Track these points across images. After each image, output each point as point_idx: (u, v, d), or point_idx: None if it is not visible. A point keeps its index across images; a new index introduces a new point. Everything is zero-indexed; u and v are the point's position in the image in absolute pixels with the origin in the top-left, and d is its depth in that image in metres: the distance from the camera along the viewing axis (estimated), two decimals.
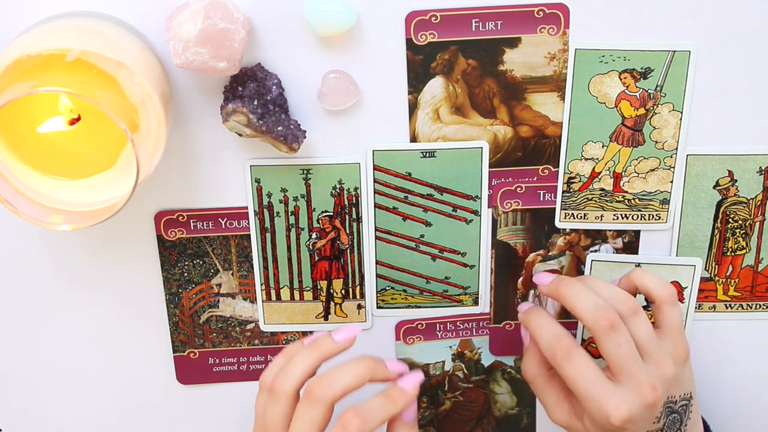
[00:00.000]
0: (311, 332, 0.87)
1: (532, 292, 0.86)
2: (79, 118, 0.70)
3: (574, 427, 0.79)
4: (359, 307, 0.86)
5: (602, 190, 0.82)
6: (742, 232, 0.84)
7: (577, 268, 0.86)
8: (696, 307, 0.86)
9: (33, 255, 0.82)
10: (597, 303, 0.75)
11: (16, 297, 0.84)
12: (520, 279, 0.86)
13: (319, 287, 0.85)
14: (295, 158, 0.80)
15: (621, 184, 0.82)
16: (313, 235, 0.83)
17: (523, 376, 0.82)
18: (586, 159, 0.81)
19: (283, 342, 0.87)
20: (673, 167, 0.81)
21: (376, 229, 0.83)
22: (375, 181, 0.81)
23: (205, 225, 0.82)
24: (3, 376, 0.87)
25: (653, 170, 0.81)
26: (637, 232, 0.84)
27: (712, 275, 0.86)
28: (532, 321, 0.78)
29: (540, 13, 0.76)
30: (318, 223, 0.83)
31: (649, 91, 0.79)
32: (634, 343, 0.75)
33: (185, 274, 0.84)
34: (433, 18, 0.76)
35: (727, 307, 0.87)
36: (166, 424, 0.90)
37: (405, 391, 0.75)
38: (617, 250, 0.85)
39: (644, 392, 0.74)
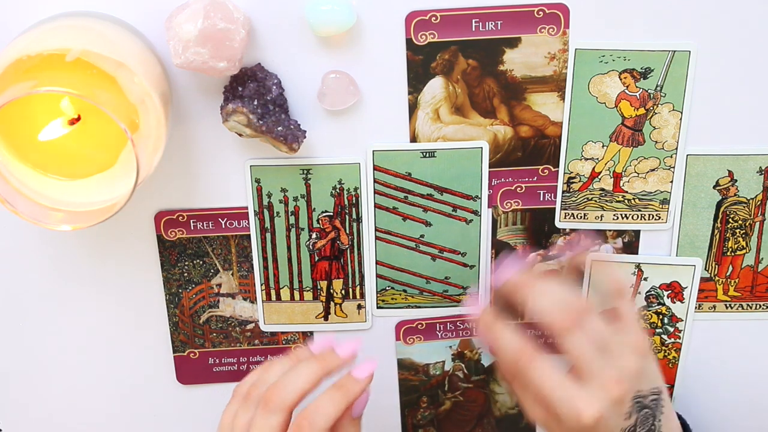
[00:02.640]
0: (311, 333, 0.87)
1: None
2: (79, 118, 0.70)
3: (551, 428, 0.78)
4: (359, 307, 0.86)
5: (602, 190, 0.82)
6: (742, 232, 0.84)
7: (577, 268, 0.86)
8: (696, 307, 0.86)
9: (33, 255, 0.82)
10: (557, 303, 0.75)
11: (16, 297, 0.84)
12: None
13: (319, 287, 0.85)
14: (295, 158, 0.80)
15: (621, 184, 0.82)
16: (313, 235, 0.83)
17: (501, 377, 0.82)
18: (586, 159, 0.81)
19: (283, 342, 0.87)
20: (673, 167, 0.81)
21: (376, 229, 0.83)
22: (375, 181, 0.81)
23: (205, 225, 0.82)
24: (3, 375, 0.88)
25: (653, 170, 0.81)
26: (636, 232, 0.84)
27: (712, 275, 0.86)
28: (491, 333, 0.77)
29: (540, 13, 0.76)
30: (318, 223, 0.83)
31: (649, 91, 0.79)
32: (593, 342, 0.75)
33: (185, 274, 0.84)
34: (433, 18, 0.76)
35: (727, 307, 0.87)
36: (166, 424, 0.90)
37: (358, 380, 0.75)
38: (617, 250, 0.85)
39: (610, 387, 0.74)
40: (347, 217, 0.83)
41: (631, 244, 0.84)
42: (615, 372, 0.74)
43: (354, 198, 0.82)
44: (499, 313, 0.78)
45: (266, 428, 0.73)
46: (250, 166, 0.80)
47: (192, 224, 0.82)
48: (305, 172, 0.81)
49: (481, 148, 0.80)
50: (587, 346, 0.74)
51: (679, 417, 0.83)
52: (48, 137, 0.69)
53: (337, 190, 0.82)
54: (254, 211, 0.82)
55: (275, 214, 0.82)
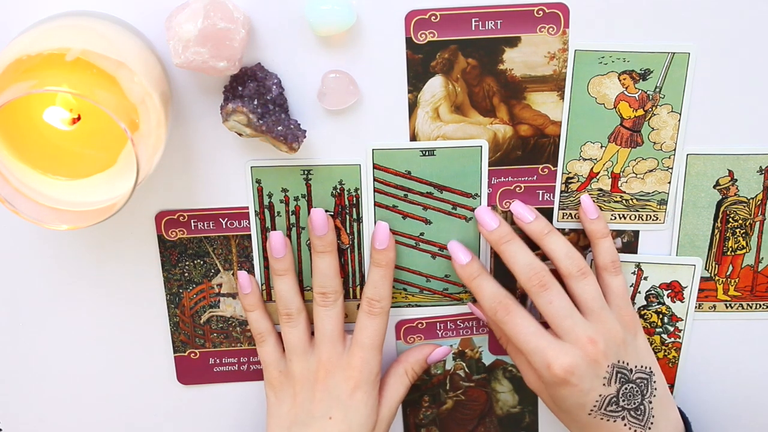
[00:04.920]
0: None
1: None
2: (79, 118, 0.70)
3: (542, 393, 0.82)
4: (359, 306, 0.86)
5: (600, 190, 0.82)
6: (742, 231, 0.84)
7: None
8: (696, 307, 0.86)
9: (33, 255, 0.83)
10: (531, 263, 0.79)
11: (16, 297, 0.84)
12: None
13: None
14: (295, 159, 0.80)
15: (619, 185, 0.82)
16: None
17: (487, 325, 0.86)
18: (585, 159, 0.81)
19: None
20: (671, 168, 0.81)
21: None
22: (375, 179, 0.81)
23: (205, 225, 0.82)
24: (3, 375, 0.88)
25: (651, 171, 0.81)
26: (636, 233, 0.84)
27: (712, 275, 0.86)
28: (473, 283, 0.81)
29: (540, 12, 0.76)
30: None
31: (648, 92, 0.79)
32: (580, 302, 0.79)
33: (186, 274, 0.84)
34: (433, 17, 0.76)
35: (727, 307, 0.87)
36: (166, 424, 0.90)
37: (385, 251, 0.82)
38: (616, 250, 0.84)
39: (583, 345, 0.77)
40: (348, 217, 0.83)
41: (630, 244, 0.84)
42: (592, 332, 0.78)
43: (354, 198, 0.82)
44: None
45: (333, 316, 0.82)
46: (251, 166, 0.80)
47: (192, 224, 0.82)
48: (306, 172, 0.81)
49: (481, 146, 0.80)
50: (559, 305, 0.78)
51: (683, 415, 0.83)
52: (51, 120, 0.69)
53: (338, 190, 0.82)
54: (255, 211, 0.82)
55: (276, 214, 0.82)
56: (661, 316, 0.87)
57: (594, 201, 0.82)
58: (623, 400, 0.79)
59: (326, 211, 0.82)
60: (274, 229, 0.83)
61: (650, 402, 0.80)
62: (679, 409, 0.83)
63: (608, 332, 0.79)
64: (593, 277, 0.80)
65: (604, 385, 0.78)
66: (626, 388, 0.79)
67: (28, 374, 0.88)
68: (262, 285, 0.85)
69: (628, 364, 0.79)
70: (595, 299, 0.79)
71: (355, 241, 0.84)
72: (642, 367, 0.80)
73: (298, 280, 0.83)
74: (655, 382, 0.81)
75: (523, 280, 0.79)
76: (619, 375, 0.79)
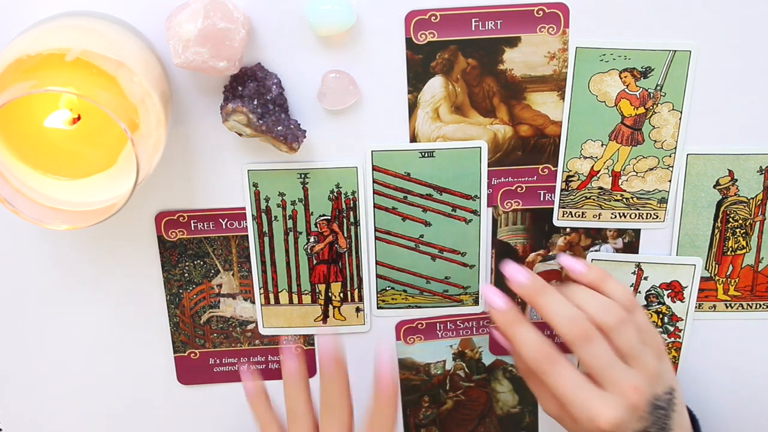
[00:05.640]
0: (311, 335, 0.87)
1: None
2: (79, 118, 0.70)
3: (564, 421, 0.80)
4: (358, 310, 0.86)
5: (600, 188, 0.82)
6: (742, 231, 0.84)
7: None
8: (696, 307, 0.86)
9: (33, 255, 0.82)
10: (572, 315, 0.76)
11: (16, 297, 0.84)
12: None
13: (317, 290, 0.85)
14: (293, 161, 0.80)
15: (619, 183, 0.82)
16: (311, 239, 0.83)
17: (517, 370, 0.83)
18: (585, 157, 0.81)
19: (284, 343, 0.87)
20: (672, 166, 0.81)
21: (375, 230, 0.83)
22: (374, 181, 0.81)
23: (205, 225, 0.82)
24: (3, 376, 0.87)
25: (652, 169, 0.82)
26: (637, 232, 0.84)
27: (712, 275, 0.86)
28: (511, 330, 0.77)
29: (540, 12, 0.76)
30: (316, 227, 0.83)
31: (649, 90, 0.79)
32: (620, 350, 0.76)
33: (186, 275, 0.84)
34: (433, 17, 0.76)
35: (727, 307, 0.87)
36: (166, 424, 0.90)
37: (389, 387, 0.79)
38: (617, 250, 0.85)
39: (628, 395, 0.75)
40: (345, 220, 0.83)
41: (631, 244, 0.84)
42: (635, 380, 0.75)
43: (351, 201, 0.82)
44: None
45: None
46: (248, 170, 0.80)
47: (192, 225, 0.82)
48: (303, 176, 0.81)
49: (480, 147, 0.80)
50: (604, 357, 0.75)
51: (690, 413, 0.83)
52: (52, 124, 0.69)
53: (335, 194, 0.82)
54: (252, 215, 0.82)
55: (273, 218, 0.82)
56: (661, 316, 0.87)
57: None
58: (652, 428, 0.77)
59: (323, 215, 0.82)
60: (272, 234, 0.82)
61: (671, 419, 0.78)
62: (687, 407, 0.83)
63: (648, 374, 0.76)
64: (630, 320, 0.77)
65: (637, 422, 0.76)
66: (657, 415, 0.77)
67: (28, 374, 0.88)
68: (260, 288, 0.85)
69: (659, 393, 0.78)
70: (636, 344, 0.77)
71: (353, 244, 0.84)
72: (668, 388, 0.79)
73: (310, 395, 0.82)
74: (676, 397, 0.79)
75: (564, 332, 0.76)
76: (652, 408, 0.77)
